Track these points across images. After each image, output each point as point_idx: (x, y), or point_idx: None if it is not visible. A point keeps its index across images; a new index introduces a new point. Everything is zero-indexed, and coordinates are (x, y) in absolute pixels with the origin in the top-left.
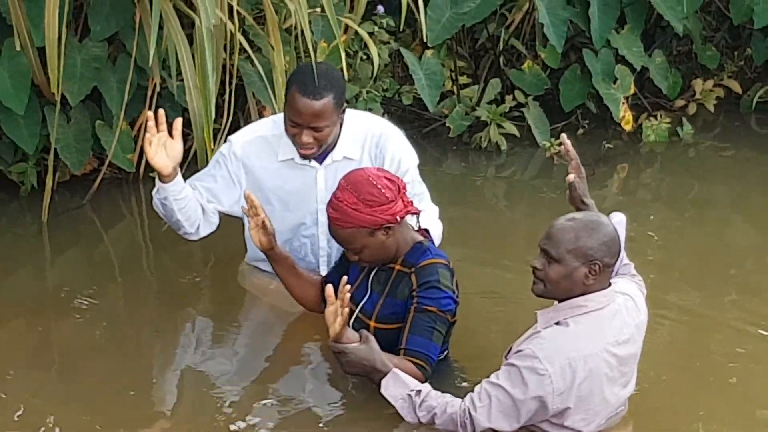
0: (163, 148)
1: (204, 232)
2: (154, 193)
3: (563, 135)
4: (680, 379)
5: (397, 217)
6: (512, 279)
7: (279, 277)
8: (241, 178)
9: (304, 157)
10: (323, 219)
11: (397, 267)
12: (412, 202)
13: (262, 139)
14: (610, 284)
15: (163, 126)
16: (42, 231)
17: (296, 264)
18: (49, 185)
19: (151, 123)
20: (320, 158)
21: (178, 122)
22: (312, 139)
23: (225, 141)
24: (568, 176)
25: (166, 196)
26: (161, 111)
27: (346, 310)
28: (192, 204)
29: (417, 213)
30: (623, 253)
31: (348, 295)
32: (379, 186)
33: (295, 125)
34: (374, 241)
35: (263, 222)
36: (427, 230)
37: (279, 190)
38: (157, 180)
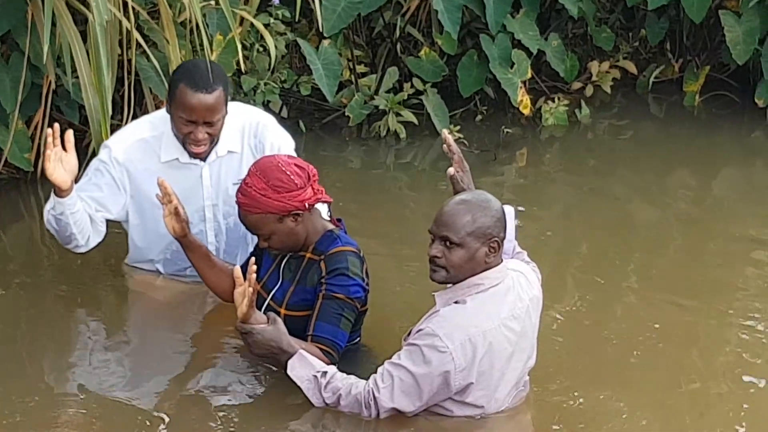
0: (59, 163)
1: (93, 242)
2: (48, 209)
3: (444, 130)
4: (584, 357)
5: (306, 204)
6: (417, 264)
7: (193, 266)
8: (125, 183)
9: (195, 155)
10: (210, 215)
11: (308, 255)
12: (323, 190)
13: (143, 141)
14: (502, 260)
15: (58, 140)
16: None
17: (210, 253)
18: None
19: (50, 139)
20: (204, 156)
21: (69, 134)
22: (206, 135)
23: None
24: (449, 170)
25: (63, 210)
26: (56, 126)
27: (251, 289)
28: (83, 216)
29: (328, 201)
30: (515, 242)
31: (254, 275)
32: (288, 172)
33: (189, 123)
34: (283, 228)
35: (176, 209)
36: (339, 219)
37: None
38: (53, 196)
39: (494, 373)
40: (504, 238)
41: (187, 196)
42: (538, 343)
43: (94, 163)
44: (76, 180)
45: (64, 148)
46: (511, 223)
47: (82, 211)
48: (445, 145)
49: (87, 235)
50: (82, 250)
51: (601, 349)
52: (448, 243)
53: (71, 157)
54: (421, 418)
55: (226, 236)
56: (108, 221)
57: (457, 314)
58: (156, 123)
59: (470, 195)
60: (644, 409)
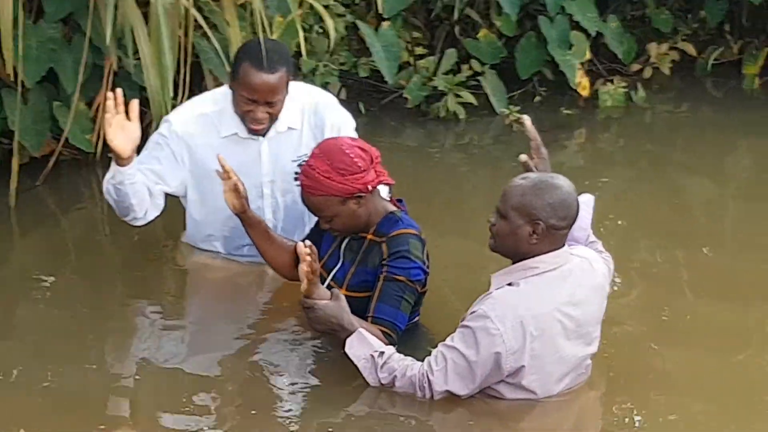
0: (121, 131)
1: (151, 215)
2: (107, 178)
3: (525, 117)
4: (646, 340)
5: (369, 187)
6: (476, 246)
7: (252, 241)
8: (185, 157)
9: (254, 132)
10: (267, 191)
11: (369, 236)
12: (385, 172)
13: (203, 116)
14: (563, 245)
15: (122, 107)
16: (3, 213)
17: (269, 229)
18: (15, 169)
19: (111, 102)
20: (263, 131)
21: (135, 104)
22: (266, 114)
23: None
24: (521, 156)
25: (122, 180)
26: (119, 91)
27: (316, 265)
28: (142, 188)
29: (390, 184)
30: (590, 231)
31: (313, 253)
32: (351, 155)
33: (250, 102)
34: (345, 210)
35: (235, 185)
36: (400, 200)
37: None
38: (113, 164)
39: (547, 358)
40: (558, 227)
41: (245, 172)
42: (604, 328)
43: (154, 136)
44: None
45: (128, 117)
46: (588, 212)
47: (140, 182)
48: (526, 128)
49: (145, 207)
50: (140, 223)
51: (662, 331)
52: (498, 213)
53: (134, 126)
54: (475, 400)
55: (284, 214)
56: (167, 197)
57: (510, 296)
58: (217, 98)
59: (537, 175)
60: (705, 409)
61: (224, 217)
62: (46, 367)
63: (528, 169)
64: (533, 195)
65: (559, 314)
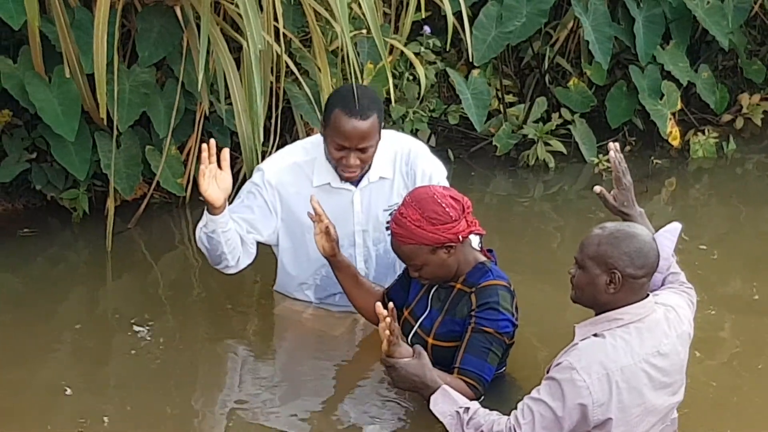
0: (214, 180)
1: (243, 264)
2: (200, 226)
3: (612, 144)
4: (732, 389)
5: (460, 237)
6: (564, 297)
7: (341, 285)
8: (277, 206)
9: (346, 180)
10: (360, 240)
11: (458, 286)
12: (476, 222)
13: (296, 165)
14: (648, 295)
15: (214, 158)
16: (94, 257)
17: (358, 273)
18: (111, 211)
19: (205, 154)
20: (355, 181)
21: (226, 153)
22: (358, 161)
23: None
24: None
25: (215, 228)
26: (213, 141)
27: (396, 326)
28: (235, 236)
29: (481, 234)
30: (672, 261)
31: (391, 314)
32: (443, 204)
33: (341, 148)
34: (435, 259)
35: (327, 228)
36: (490, 250)
37: None
38: (206, 213)
39: (634, 410)
40: (636, 276)
41: (337, 221)
42: (687, 377)
43: (247, 185)
44: (229, 202)
45: (219, 166)
46: (671, 240)
47: (233, 231)
48: (610, 155)
49: (237, 255)
50: (232, 271)
51: (750, 387)
52: (576, 263)
53: (226, 175)
54: None
55: (376, 263)
56: (258, 245)
57: (595, 348)
58: (309, 148)
59: (614, 224)
60: None
61: (316, 267)
62: (134, 410)
63: (604, 200)
64: (609, 244)
65: (645, 365)
